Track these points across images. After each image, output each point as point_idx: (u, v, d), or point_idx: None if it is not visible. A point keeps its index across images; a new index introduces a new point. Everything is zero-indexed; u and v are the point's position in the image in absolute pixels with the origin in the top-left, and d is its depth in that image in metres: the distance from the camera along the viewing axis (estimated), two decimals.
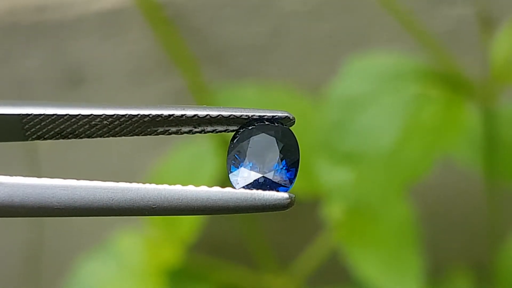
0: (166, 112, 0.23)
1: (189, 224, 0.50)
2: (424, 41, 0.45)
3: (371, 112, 0.44)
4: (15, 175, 0.22)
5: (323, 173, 0.45)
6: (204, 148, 0.51)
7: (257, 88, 0.52)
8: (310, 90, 0.52)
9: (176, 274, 0.51)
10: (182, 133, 0.23)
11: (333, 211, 0.48)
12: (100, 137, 0.23)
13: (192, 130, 0.23)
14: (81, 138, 0.23)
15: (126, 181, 0.22)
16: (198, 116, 0.23)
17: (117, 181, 0.22)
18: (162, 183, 0.53)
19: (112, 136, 0.23)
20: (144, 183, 0.22)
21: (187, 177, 0.51)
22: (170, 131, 0.23)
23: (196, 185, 0.23)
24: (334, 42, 0.52)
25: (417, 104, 0.44)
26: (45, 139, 0.23)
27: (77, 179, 0.22)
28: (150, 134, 0.23)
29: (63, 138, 0.23)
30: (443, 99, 0.44)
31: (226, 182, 0.23)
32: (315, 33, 0.52)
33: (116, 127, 0.23)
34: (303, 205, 0.50)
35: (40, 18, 0.51)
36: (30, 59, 0.52)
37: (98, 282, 0.51)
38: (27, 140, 0.23)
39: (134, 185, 0.22)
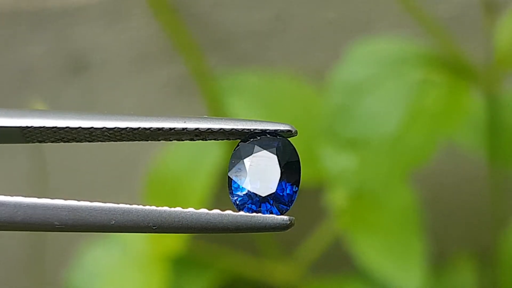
0: (167, 125, 0.23)
1: None
2: (428, 27, 0.45)
3: (374, 97, 0.44)
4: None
5: (327, 159, 0.44)
6: None
7: (261, 74, 0.52)
8: (313, 76, 0.52)
9: (179, 262, 0.51)
10: (183, 140, 0.23)
11: (337, 198, 0.48)
12: (101, 142, 0.23)
13: (193, 138, 0.23)
14: (81, 142, 0.24)
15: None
16: (199, 130, 0.23)
17: (118, 202, 0.22)
18: (166, 173, 0.53)
19: (113, 141, 0.23)
20: (144, 205, 0.22)
21: (191, 166, 0.51)
22: (171, 138, 0.23)
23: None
24: (338, 28, 0.52)
25: (420, 89, 0.44)
26: (45, 142, 0.23)
27: (78, 200, 0.22)
28: (151, 141, 0.24)
29: (63, 142, 0.23)
30: (446, 85, 0.44)
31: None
32: (318, 19, 0.52)
33: (117, 136, 0.23)
34: (307, 192, 0.50)
35: (44, 5, 0.51)
36: (34, 46, 0.52)
37: (102, 269, 0.51)
38: (27, 143, 0.23)
39: (134, 207, 0.22)
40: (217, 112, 0.50)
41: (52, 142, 0.23)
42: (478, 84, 0.45)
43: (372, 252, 0.47)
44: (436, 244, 0.48)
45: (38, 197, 0.22)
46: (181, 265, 0.51)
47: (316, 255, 0.52)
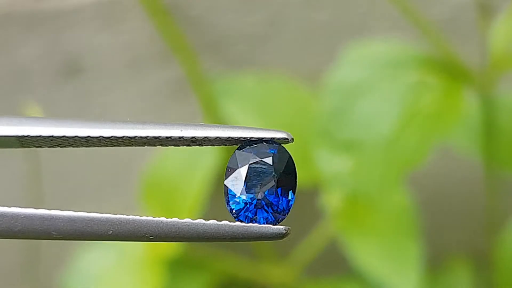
0: (164, 134, 0.23)
1: (188, 214, 0.50)
2: (422, 29, 0.45)
3: (369, 100, 0.44)
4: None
5: (322, 161, 0.44)
6: None
7: (255, 77, 0.52)
8: (308, 79, 0.52)
9: (175, 264, 0.51)
10: (180, 146, 0.24)
11: (332, 200, 0.48)
12: (98, 147, 0.24)
13: (190, 144, 0.23)
14: (78, 147, 0.24)
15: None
16: (196, 138, 0.23)
17: (115, 214, 0.22)
18: (162, 176, 0.53)
19: (110, 146, 0.24)
20: (141, 216, 0.22)
21: (186, 169, 0.51)
22: (168, 144, 0.24)
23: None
24: (333, 31, 0.52)
25: (415, 92, 0.44)
26: (42, 147, 0.24)
27: (75, 211, 0.22)
28: (148, 146, 0.24)
29: (60, 148, 0.24)
30: (441, 87, 0.44)
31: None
32: (313, 22, 0.52)
33: (113, 143, 0.23)
34: (302, 194, 0.50)
35: (38, 7, 0.51)
36: (28, 49, 0.52)
37: (97, 272, 0.51)
38: (23, 148, 0.23)
39: (131, 217, 0.22)
40: (212, 115, 0.50)
41: (49, 147, 0.23)
42: (473, 86, 0.45)
43: (367, 254, 0.47)
44: (431, 246, 0.48)
45: (36, 208, 0.22)
46: (176, 267, 0.51)
47: (311, 257, 0.52)
